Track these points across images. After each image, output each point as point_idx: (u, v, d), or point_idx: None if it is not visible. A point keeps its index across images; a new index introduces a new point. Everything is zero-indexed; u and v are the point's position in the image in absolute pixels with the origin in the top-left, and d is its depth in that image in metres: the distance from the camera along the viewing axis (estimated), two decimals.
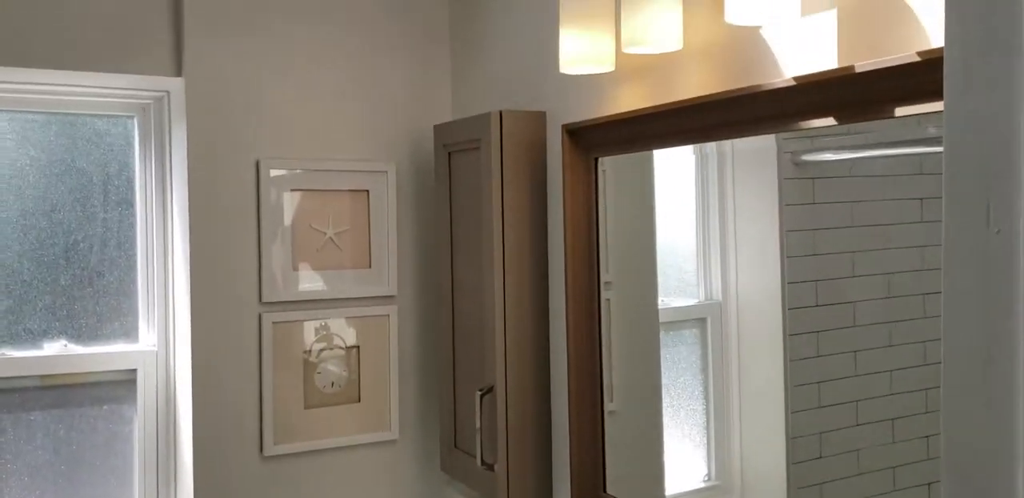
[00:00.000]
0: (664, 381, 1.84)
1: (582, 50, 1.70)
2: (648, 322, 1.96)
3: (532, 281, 2.08)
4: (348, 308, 2.37)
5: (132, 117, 2.38)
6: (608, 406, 1.96)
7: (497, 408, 2.04)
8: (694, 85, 1.63)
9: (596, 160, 1.90)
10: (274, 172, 2.28)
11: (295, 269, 2.31)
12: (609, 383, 1.94)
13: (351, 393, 2.39)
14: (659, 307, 1.88)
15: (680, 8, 1.56)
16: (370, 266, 2.39)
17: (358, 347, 2.41)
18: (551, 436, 2.09)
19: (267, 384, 2.28)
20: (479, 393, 2.07)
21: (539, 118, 2.07)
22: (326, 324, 2.37)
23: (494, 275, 2.04)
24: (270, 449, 2.29)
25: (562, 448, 2.03)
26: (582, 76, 1.88)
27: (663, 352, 1.86)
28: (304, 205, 2.33)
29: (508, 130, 2.04)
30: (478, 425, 2.07)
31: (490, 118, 2.04)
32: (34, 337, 2.32)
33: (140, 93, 2.34)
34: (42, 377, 2.32)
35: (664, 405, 1.83)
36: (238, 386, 2.28)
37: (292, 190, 2.30)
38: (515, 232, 2.06)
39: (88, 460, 2.35)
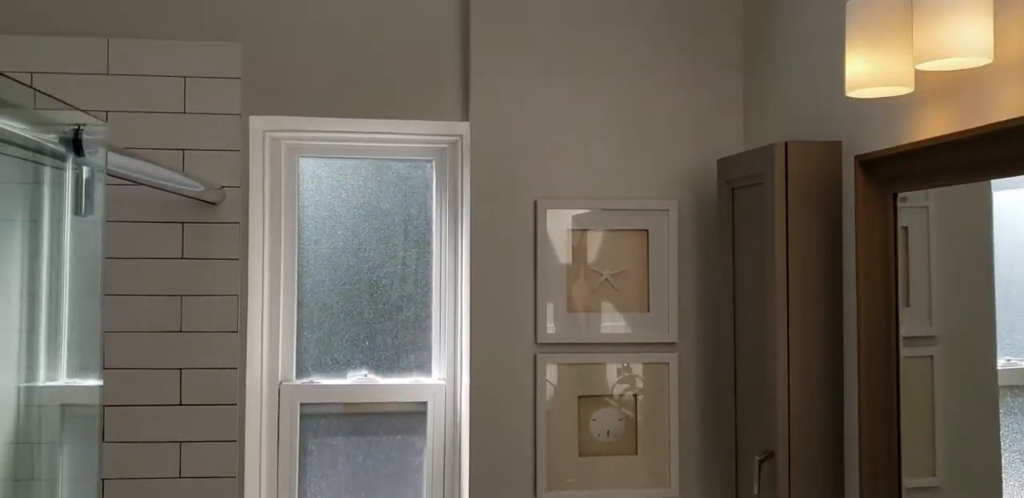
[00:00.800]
0: (1006, 455, 1.52)
1: (872, 71, 1.47)
2: (985, 384, 1.65)
3: (822, 334, 1.84)
4: (624, 354, 2.27)
5: (431, 161, 2.50)
6: (926, 481, 1.66)
7: (778, 477, 1.82)
8: (1012, 104, 1.34)
9: (895, 196, 1.64)
10: (551, 212, 2.25)
11: (570, 311, 2.26)
12: (930, 454, 1.65)
13: (628, 444, 2.27)
14: (999, 367, 1.57)
15: (990, 13, 1.29)
16: (649, 310, 2.27)
17: (635, 396, 2.29)
18: None
19: (541, 427, 2.24)
20: (758, 459, 1.85)
21: (832, 149, 1.84)
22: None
23: (776, 327, 1.83)
24: (543, 494, 2.23)
25: None
26: (878, 100, 1.63)
27: (1005, 420, 1.55)
28: (581, 245, 2.28)
29: (795, 163, 1.84)
30: (755, 492, 1.85)
31: (774, 150, 1.84)
32: (340, 366, 2.49)
33: (438, 138, 2.45)
34: (345, 405, 2.48)
35: (1005, 484, 1.51)
36: (513, 426, 2.26)
37: (569, 230, 2.26)
38: (802, 279, 1.83)
39: (382, 488, 2.46)
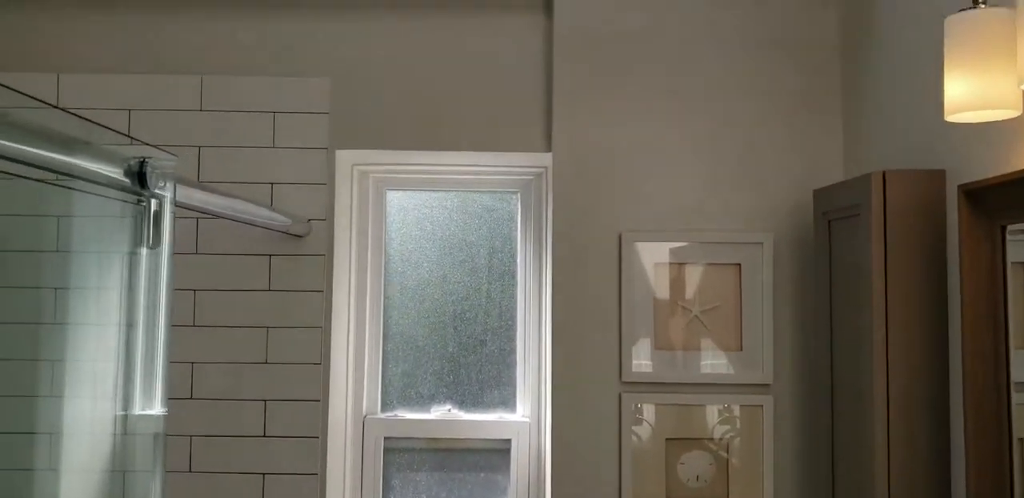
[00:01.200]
0: None
1: (973, 93, 1.36)
2: None
3: (925, 377, 1.69)
4: (714, 394, 2.15)
5: (516, 193, 2.47)
6: None
7: None
8: None
9: (1003, 228, 1.50)
10: (637, 245, 2.17)
11: (657, 348, 2.16)
12: None
13: (719, 490, 2.15)
14: None
15: None
16: (741, 349, 2.15)
17: (729, 441, 2.16)
18: None
19: (626, 469, 2.14)
20: None
21: (935, 178, 1.71)
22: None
23: (875, 369, 1.70)
24: None
25: None
26: (983, 125, 1.50)
27: None
28: (668, 280, 2.18)
29: (894, 194, 1.71)
30: None
31: (871, 180, 1.73)
32: (424, 401, 2.46)
33: (523, 169, 2.42)
34: (428, 440, 2.44)
35: None
36: (598, 468, 2.17)
37: (655, 264, 2.18)
38: (903, 318, 1.70)
39: None
